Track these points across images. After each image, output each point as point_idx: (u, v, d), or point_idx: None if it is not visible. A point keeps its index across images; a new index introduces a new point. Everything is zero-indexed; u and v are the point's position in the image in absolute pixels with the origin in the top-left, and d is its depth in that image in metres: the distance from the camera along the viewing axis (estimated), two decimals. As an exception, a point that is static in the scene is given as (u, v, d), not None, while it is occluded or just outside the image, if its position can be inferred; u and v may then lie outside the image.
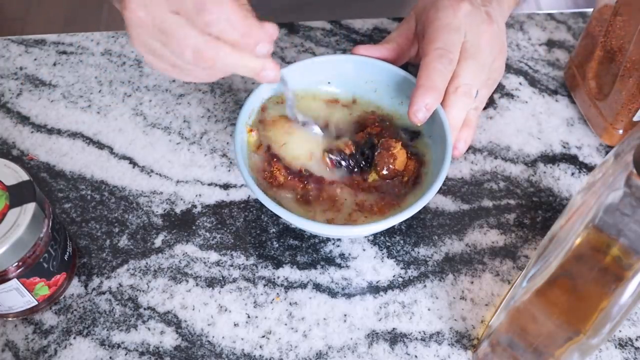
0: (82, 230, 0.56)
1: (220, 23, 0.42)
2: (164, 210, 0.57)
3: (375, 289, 0.53)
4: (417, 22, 0.58)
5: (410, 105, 0.52)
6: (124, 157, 0.60)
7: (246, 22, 0.43)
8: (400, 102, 0.57)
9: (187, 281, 0.53)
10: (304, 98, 0.57)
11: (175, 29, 0.42)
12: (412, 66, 0.61)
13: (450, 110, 0.53)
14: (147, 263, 0.54)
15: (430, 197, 0.49)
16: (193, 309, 0.52)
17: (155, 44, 0.43)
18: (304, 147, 0.54)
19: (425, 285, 0.54)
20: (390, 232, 0.56)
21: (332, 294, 0.53)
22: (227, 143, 0.61)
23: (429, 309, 0.52)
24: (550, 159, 0.62)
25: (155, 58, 0.44)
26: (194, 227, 0.56)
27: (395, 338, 0.51)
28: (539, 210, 0.58)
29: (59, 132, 0.62)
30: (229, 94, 0.65)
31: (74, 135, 0.62)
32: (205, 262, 0.54)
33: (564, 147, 0.63)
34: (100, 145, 0.61)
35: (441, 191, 0.59)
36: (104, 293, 0.53)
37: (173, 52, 0.43)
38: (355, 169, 0.54)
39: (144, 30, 0.42)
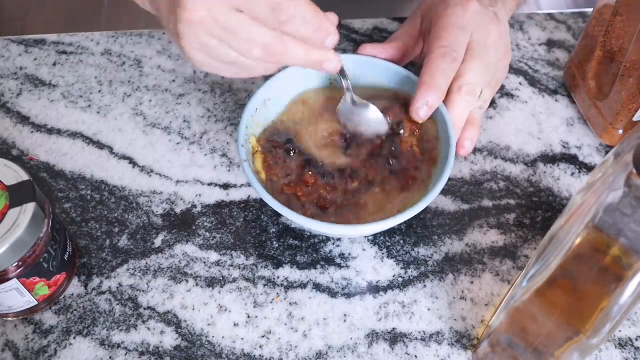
0: (82, 230, 0.56)
1: (296, 21, 0.42)
2: (164, 210, 0.57)
3: (375, 289, 0.53)
4: (423, 20, 0.58)
5: (412, 103, 0.52)
6: (124, 157, 0.60)
7: (318, 18, 0.43)
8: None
9: (187, 281, 0.53)
10: (305, 95, 0.57)
11: (242, 27, 0.42)
12: (412, 66, 0.61)
13: (453, 109, 0.53)
14: (147, 263, 0.54)
15: (433, 196, 0.49)
16: (193, 309, 0.52)
17: (214, 42, 0.42)
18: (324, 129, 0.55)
19: (425, 285, 0.54)
20: (390, 232, 0.56)
21: (332, 294, 0.53)
22: (227, 143, 0.61)
23: (429, 309, 0.52)
24: (550, 159, 0.62)
25: (209, 57, 0.44)
26: (194, 227, 0.56)
27: (395, 338, 0.51)
28: (539, 210, 0.58)
29: (59, 132, 0.62)
30: (229, 94, 0.65)
31: (74, 135, 0.62)
32: (205, 262, 0.54)
33: (564, 147, 0.63)
34: (100, 145, 0.61)
35: (441, 191, 0.59)
36: (104, 293, 0.53)
37: (238, 49, 0.43)
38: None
39: (203, 29, 0.42)
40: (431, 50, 0.53)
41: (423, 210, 0.57)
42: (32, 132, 0.62)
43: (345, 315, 0.52)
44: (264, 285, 0.53)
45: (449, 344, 0.51)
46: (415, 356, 0.50)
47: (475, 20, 0.54)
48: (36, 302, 0.50)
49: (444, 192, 0.59)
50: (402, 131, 0.54)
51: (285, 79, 0.55)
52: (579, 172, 0.61)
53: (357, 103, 0.54)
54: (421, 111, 0.52)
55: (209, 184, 0.59)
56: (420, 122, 0.52)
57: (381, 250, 0.55)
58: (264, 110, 0.55)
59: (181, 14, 0.41)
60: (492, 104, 0.65)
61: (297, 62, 0.45)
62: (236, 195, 0.58)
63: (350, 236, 0.55)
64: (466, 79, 0.53)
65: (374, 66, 0.57)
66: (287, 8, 0.42)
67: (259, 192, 0.49)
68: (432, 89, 0.51)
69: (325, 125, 0.55)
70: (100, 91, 0.65)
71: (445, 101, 0.53)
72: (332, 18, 0.45)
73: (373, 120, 0.54)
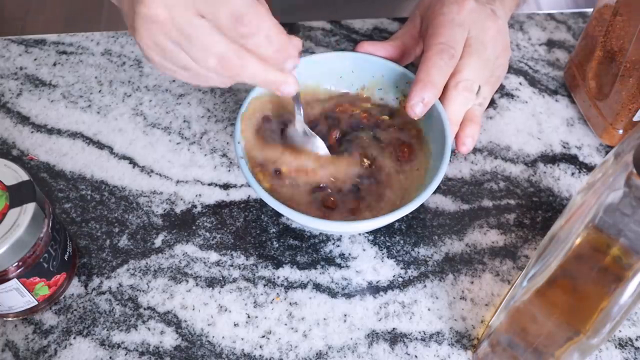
0: (82, 230, 0.56)
1: (258, 37, 0.41)
2: (164, 210, 0.57)
3: (375, 289, 0.53)
4: (422, 20, 0.59)
5: (407, 100, 0.52)
6: (124, 157, 0.60)
7: (281, 38, 0.42)
8: (400, 99, 0.57)
9: (187, 281, 0.53)
10: (305, 96, 0.57)
11: (201, 33, 0.40)
12: (413, 66, 0.61)
13: (450, 105, 0.53)
14: (147, 263, 0.54)
15: (430, 191, 0.49)
16: (193, 309, 0.52)
17: (170, 45, 0.41)
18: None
19: (425, 285, 0.54)
20: (390, 232, 0.56)
21: (332, 294, 0.53)
22: (227, 143, 0.61)
23: (429, 309, 0.52)
24: (550, 159, 0.62)
25: (163, 59, 0.42)
26: (194, 227, 0.56)
27: (395, 338, 0.51)
28: (539, 210, 0.58)
29: (59, 132, 0.62)
30: (229, 94, 0.65)
31: (74, 135, 0.62)
32: (205, 262, 0.54)
33: (564, 147, 0.63)
34: (100, 145, 0.61)
35: (441, 191, 0.59)
36: (104, 293, 0.53)
37: (193, 56, 0.41)
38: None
39: (159, 29, 0.40)
40: (428, 47, 0.53)
41: (423, 210, 0.57)
42: (32, 132, 0.62)
43: (345, 315, 0.52)
44: (264, 285, 0.53)
45: (449, 344, 0.51)
46: (415, 356, 0.50)
47: (472, 17, 0.54)
48: (36, 302, 0.50)
49: (444, 192, 0.59)
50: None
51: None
52: (579, 172, 0.61)
53: (306, 132, 0.54)
54: (417, 108, 0.52)
55: (209, 184, 0.59)
56: (416, 118, 0.52)
57: (381, 250, 0.55)
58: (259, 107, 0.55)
59: (140, 8, 0.40)
60: (492, 103, 0.65)
61: (253, 79, 0.43)
62: (236, 195, 0.58)
63: (347, 232, 0.55)
64: (463, 75, 0.53)
65: (371, 64, 0.57)
66: (251, 22, 0.40)
67: (256, 189, 0.49)
68: (428, 86, 0.51)
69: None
70: (100, 91, 0.65)
71: (442, 97, 0.53)
72: (296, 43, 0.44)
73: (317, 147, 0.54)
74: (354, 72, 0.58)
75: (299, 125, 0.53)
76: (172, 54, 0.41)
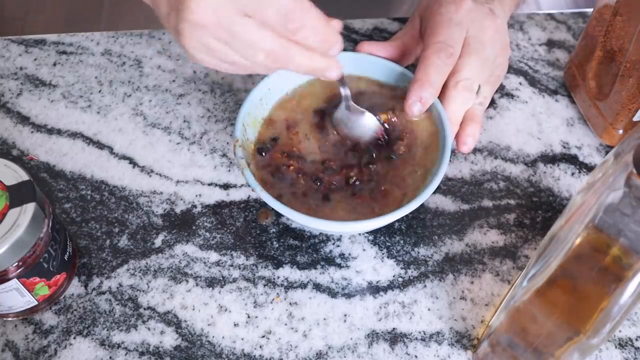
0: (82, 230, 0.56)
1: (305, 31, 0.42)
2: (164, 210, 0.57)
3: (375, 289, 0.53)
4: (421, 20, 0.59)
5: (406, 99, 0.52)
6: (124, 157, 0.60)
7: (326, 28, 0.44)
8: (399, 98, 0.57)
9: (187, 281, 0.53)
10: (305, 95, 0.57)
11: (249, 32, 0.41)
12: (413, 66, 0.61)
13: (449, 104, 0.53)
14: (147, 263, 0.54)
15: (430, 191, 0.49)
16: (193, 309, 0.52)
17: (218, 45, 0.42)
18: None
19: (425, 285, 0.54)
20: (390, 232, 0.56)
21: (332, 294, 0.53)
22: (227, 143, 0.61)
23: (429, 309, 0.52)
24: (550, 159, 0.62)
25: (210, 57, 0.44)
26: (194, 227, 0.56)
27: (395, 338, 0.51)
28: (539, 210, 0.58)
29: (59, 132, 0.62)
30: (229, 94, 0.65)
31: (74, 135, 0.62)
32: (205, 262, 0.54)
33: (564, 147, 0.63)
34: (100, 145, 0.61)
35: (441, 191, 0.59)
36: (104, 293, 0.53)
37: (242, 53, 0.43)
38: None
39: (206, 31, 0.41)
40: (426, 46, 0.53)
41: (423, 210, 0.57)
42: (32, 132, 0.62)
43: (345, 315, 0.52)
44: (264, 285, 0.53)
45: (449, 344, 0.51)
46: (415, 356, 0.50)
47: (471, 17, 0.54)
48: (36, 302, 0.50)
49: (444, 192, 0.59)
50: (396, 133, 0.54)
51: (281, 76, 0.56)
52: (579, 172, 0.61)
53: (353, 110, 0.54)
54: (414, 107, 0.52)
55: (209, 184, 0.59)
56: (414, 118, 0.52)
57: (381, 250, 0.55)
58: (259, 108, 0.55)
59: (184, 13, 0.41)
60: (492, 103, 0.65)
61: (300, 69, 0.44)
62: (236, 195, 0.58)
63: (347, 233, 0.55)
64: (462, 74, 0.53)
65: (370, 63, 0.57)
66: (297, 17, 0.42)
67: (254, 186, 0.49)
68: (425, 85, 0.51)
69: (315, 127, 0.56)
70: (100, 91, 0.65)
71: (441, 97, 0.53)
72: (337, 25, 0.46)
73: (369, 127, 0.54)
74: (354, 72, 0.58)
75: (347, 105, 0.54)
76: (220, 52, 0.43)
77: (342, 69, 0.47)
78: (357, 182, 0.53)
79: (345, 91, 0.53)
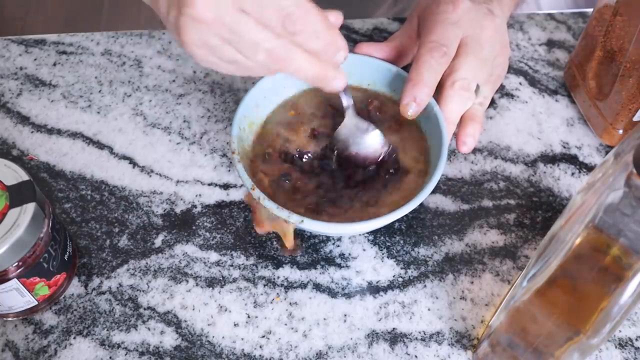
0: (82, 230, 0.56)
1: (306, 33, 0.42)
2: (164, 210, 0.57)
3: (375, 289, 0.53)
4: (419, 21, 0.59)
5: (400, 100, 0.52)
6: (124, 157, 0.60)
7: (329, 32, 0.43)
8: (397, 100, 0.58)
9: (187, 281, 0.53)
10: (303, 95, 0.58)
11: (250, 30, 0.41)
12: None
13: (446, 104, 0.53)
14: (147, 263, 0.54)
15: (429, 191, 0.49)
16: (193, 309, 0.52)
17: (218, 42, 0.42)
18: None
19: (425, 285, 0.54)
20: (390, 232, 0.56)
21: (332, 294, 0.53)
22: (227, 143, 0.61)
23: (429, 309, 0.52)
24: (550, 159, 0.62)
25: (209, 54, 0.43)
26: (194, 227, 0.56)
27: (395, 338, 0.51)
28: (539, 210, 0.58)
29: (59, 132, 0.62)
30: (229, 94, 0.65)
31: (74, 135, 0.62)
32: (205, 262, 0.54)
33: (564, 147, 0.63)
34: (100, 145, 0.61)
35: (441, 191, 0.59)
36: (104, 293, 0.53)
37: (243, 52, 0.42)
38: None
39: (207, 28, 0.41)
40: (420, 46, 0.53)
41: (423, 210, 0.57)
42: (32, 132, 0.62)
43: (345, 315, 0.52)
44: (264, 285, 0.53)
45: (449, 344, 0.51)
46: (415, 356, 0.50)
47: (468, 17, 0.54)
48: (36, 302, 0.50)
49: (444, 192, 0.59)
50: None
51: (279, 79, 0.56)
52: (579, 172, 0.61)
53: (359, 124, 0.53)
54: (409, 108, 0.52)
55: (209, 184, 0.59)
56: (409, 118, 0.52)
57: (381, 250, 0.55)
58: (256, 111, 0.55)
59: (185, 9, 0.40)
60: (492, 103, 0.65)
61: (301, 74, 0.43)
62: (236, 195, 0.58)
63: (347, 233, 0.55)
64: (459, 73, 0.53)
65: (368, 64, 0.57)
66: (299, 20, 0.41)
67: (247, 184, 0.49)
68: (419, 85, 0.51)
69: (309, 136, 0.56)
70: (100, 91, 0.65)
71: (438, 97, 0.53)
72: (336, 19, 0.45)
73: (373, 143, 0.53)
74: (350, 74, 0.58)
75: (350, 115, 0.53)
76: (220, 50, 0.42)
77: (346, 80, 0.46)
78: (356, 185, 0.53)
79: (348, 102, 0.52)
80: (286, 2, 0.40)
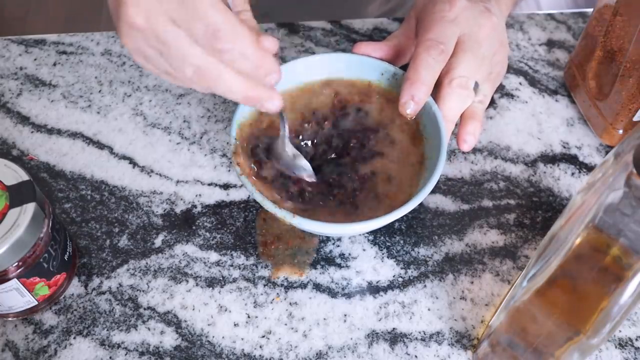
0: (82, 230, 0.56)
1: (234, 53, 0.40)
2: (164, 210, 0.57)
3: (375, 289, 0.53)
4: (416, 21, 0.59)
5: (399, 99, 0.52)
6: (124, 157, 0.60)
7: (260, 54, 0.41)
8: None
9: (187, 281, 0.53)
10: (303, 94, 0.57)
11: (178, 43, 0.40)
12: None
13: (444, 103, 0.53)
14: (147, 263, 0.54)
15: (428, 190, 0.48)
16: (193, 309, 0.52)
17: (150, 51, 0.41)
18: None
19: (425, 285, 0.54)
20: (390, 232, 0.56)
21: (332, 294, 0.53)
22: (227, 143, 0.61)
23: (429, 309, 0.52)
24: (550, 159, 0.62)
25: (147, 62, 0.43)
26: (194, 227, 0.56)
27: (395, 338, 0.51)
28: (539, 210, 0.58)
29: (59, 132, 0.62)
30: (229, 94, 0.65)
31: (74, 135, 0.62)
32: (205, 262, 0.54)
33: (564, 147, 0.63)
34: (100, 145, 0.61)
35: (441, 191, 0.59)
36: (104, 293, 0.53)
37: (171, 64, 0.41)
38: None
39: (139, 35, 0.40)
40: (417, 45, 0.53)
41: (423, 210, 0.57)
42: (32, 132, 0.62)
43: (345, 315, 0.52)
44: (264, 285, 0.53)
45: (449, 344, 0.51)
46: (415, 356, 0.50)
47: (465, 15, 0.54)
48: (36, 302, 0.50)
49: (444, 192, 0.59)
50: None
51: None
52: (579, 172, 0.61)
53: (289, 151, 0.52)
54: (407, 107, 0.51)
55: (209, 184, 0.59)
56: (408, 118, 0.52)
57: (381, 250, 0.55)
58: (254, 110, 0.55)
59: (123, 14, 0.40)
60: (492, 103, 0.65)
61: (233, 94, 0.42)
62: (236, 195, 0.58)
63: (346, 234, 0.55)
64: (457, 72, 0.53)
65: (366, 64, 0.57)
66: (226, 37, 0.40)
67: (250, 190, 0.49)
68: (416, 84, 0.51)
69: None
70: (100, 91, 0.65)
71: (436, 95, 0.53)
72: (271, 45, 0.43)
73: (303, 169, 0.53)
74: (349, 73, 0.58)
75: (284, 144, 0.52)
76: (152, 59, 0.42)
77: (282, 103, 0.44)
78: (354, 184, 0.53)
79: (284, 128, 0.51)
80: (214, 18, 0.39)
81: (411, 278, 0.54)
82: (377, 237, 0.56)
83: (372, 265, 0.55)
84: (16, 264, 0.46)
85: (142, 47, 0.41)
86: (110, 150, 0.61)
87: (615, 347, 0.51)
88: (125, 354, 0.50)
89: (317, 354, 0.50)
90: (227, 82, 0.41)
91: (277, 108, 0.45)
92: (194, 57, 0.40)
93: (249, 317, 0.52)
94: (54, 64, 0.67)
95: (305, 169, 0.53)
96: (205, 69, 0.40)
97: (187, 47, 0.40)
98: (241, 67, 0.41)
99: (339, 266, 0.54)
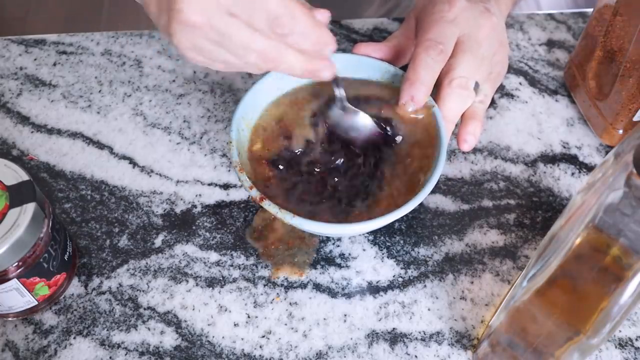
0: (82, 230, 0.56)
1: (295, 35, 0.43)
2: (164, 210, 0.57)
3: (375, 289, 0.53)
4: (416, 21, 0.59)
5: (399, 100, 0.52)
6: (124, 157, 0.60)
7: (317, 31, 0.44)
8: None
9: (187, 281, 0.53)
10: (301, 94, 0.57)
11: (240, 34, 0.42)
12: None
13: (444, 103, 0.53)
14: (147, 263, 0.54)
15: (428, 190, 0.48)
16: (193, 309, 0.52)
17: (210, 45, 0.43)
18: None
19: (425, 285, 0.54)
20: (390, 232, 0.56)
21: (332, 294, 0.53)
22: (227, 143, 0.61)
23: (429, 309, 0.52)
24: (550, 159, 0.62)
25: (201, 55, 0.44)
26: (194, 227, 0.56)
27: (395, 338, 0.51)
28: (539, 210, 0.58)
29: (59, 132, 0.62)
30: (229, 94, 0.65)
31: (74, 135, 0.62)
32: (205, 262, 0.54)
33: (564, 147, 0.63)
34: (100, 145, 0.61)
35: (441, 191, 0.59)
36: (104, 293, 0.53)
37: (234, 53, 0.43)
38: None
39: (197, 32, 0.42)
40: (416, 45, 0.53)
41: (423, 210, 0.57)
42: (32, 132, 0.62)
43: (345, 315, 0.52)
44: (264, 285, 0.53)
45: (449, 344, 0.51)
46: (415, 356, 0.50)
47: (465, 16, 0.54)
48: (36, 302, 0.50)
49: (444, 192, 0.59)
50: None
51: (274, 78, 0.56)
52: (579, 172, 0.61)
53: (348, 111, 0.54)
54: (407, 107, 0.52)
55: (209, 184, 0.59)
56: (410, 115, 0.52)
57: (381, 250, 0.55)
58: (254, 111, 0.55)
59: (175, 15, 0.41)
60: (492, 103, 0.65)
61: (292, 70, 0.45)
62: (236, 195, 0.58)
63: (346, 234, 0.55)
64: (457, 72, 0.53)
65: (366, 64, 0.57)
66: (287, 23, 0.42)
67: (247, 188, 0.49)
68: (416, 84, 0.51)
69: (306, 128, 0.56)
70: (100, 91, 0.65)
71: (436, 96, 0.53)
72: (324, 17, 0.45)
73: (364, 127, 0.54)
74: (349, 73, 0.58)
75: (342, 105, 0.53)
76: (211, 52, 0.43)
77: (335, 69, 0.47)
78: (354, 183, 0.53)
79: (339, 92, 0.53)
80: (273, 5, 0.41)
81: (411, 278, 0.54)
82: (377, 237, 0.56)
83: (372, 265, 0.55)
84: (16, 264, 0.46)
85: (200, 44, 0.43)
86: (110, 150, 0.61)
87: (615, 347, 0.51)
88: (125, 354, 0.50)
89: (317, 354, 0.50)
90: (290, 61, 0.44)
91: (332, 76, 0.47)
92: (256, 43, 0.42)
93: (249, 317, 0.52)
94: (54, 64, 0.67)
95: (365, 122, 0.54)
96: (269, 53, 0.43)
97: (249, 35, 0.42)
98: (302, 45, 0.44)
99: (339, 266, 0.54)
